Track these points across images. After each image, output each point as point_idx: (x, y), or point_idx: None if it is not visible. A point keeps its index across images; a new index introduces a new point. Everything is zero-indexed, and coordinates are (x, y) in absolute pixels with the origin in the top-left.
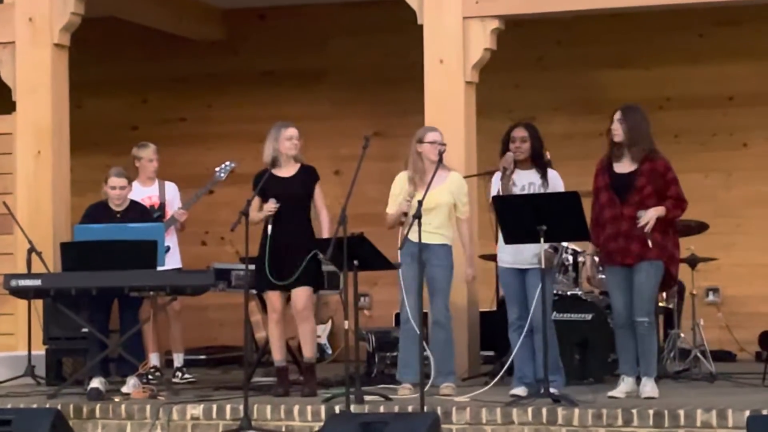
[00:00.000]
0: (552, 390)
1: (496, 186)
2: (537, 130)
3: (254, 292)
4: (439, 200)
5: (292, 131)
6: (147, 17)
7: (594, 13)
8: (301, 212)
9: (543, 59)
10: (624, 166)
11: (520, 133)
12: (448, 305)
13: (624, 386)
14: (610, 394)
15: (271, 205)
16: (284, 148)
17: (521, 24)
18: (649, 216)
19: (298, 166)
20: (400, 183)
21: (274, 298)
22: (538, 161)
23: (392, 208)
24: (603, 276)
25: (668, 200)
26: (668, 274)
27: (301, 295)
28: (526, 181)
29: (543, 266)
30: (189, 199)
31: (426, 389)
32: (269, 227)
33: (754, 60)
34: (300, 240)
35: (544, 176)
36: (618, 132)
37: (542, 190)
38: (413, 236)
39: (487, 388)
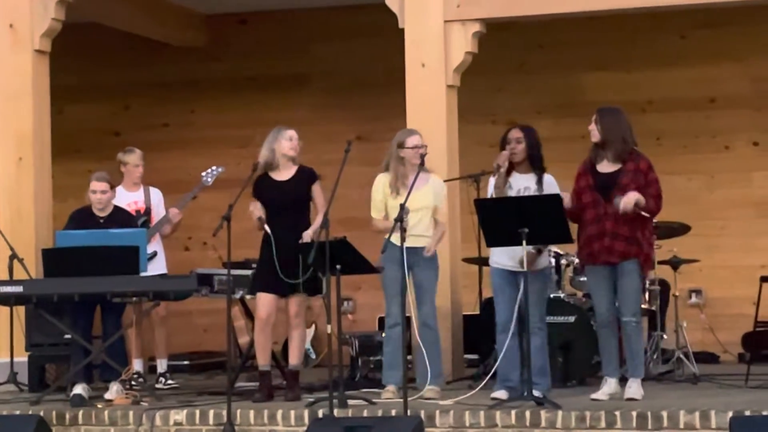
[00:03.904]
0: (536, 393)
1: (491, 186)
2: (534, 131)
3: (237, 297)
4: (424, 203)
5: (292, 132)
6: (128, 23)
7: (575, 16)
8: (300, 214)
9: (525, 63)
10: (606, 166)
11: (515, 134)
12: (434, 308)
13: (607, 388)
14: (593, 396)
15: (257, 223)
16: (283, 148)
17: (503, 28)
18: (627, 200)
19: (295, 168)
20: (381, 187)
21: (265, 300)
22: (535, 164)
23: (376, 213)
24: (583, 278)
25: (650, 198)
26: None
27: (295, 302)
28: (521, 185)
29: (525, 268)
30: (179, 202)
31: (413, 397)
32: (270, 235)
33: (736, 62)
34: (301, 245)
35: (539, 181)
36: (594, 133)
37: None
38: (396, 240)
39: (472, 392)
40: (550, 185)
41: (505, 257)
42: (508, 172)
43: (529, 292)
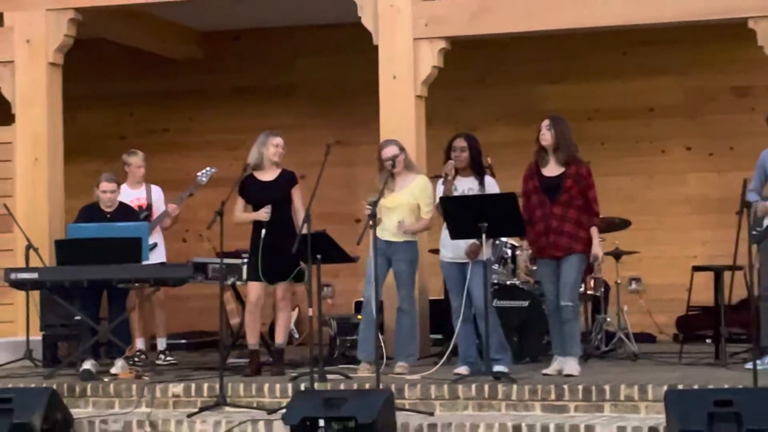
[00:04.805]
0: (500, 368)
1: (439, 190)
2: (476, 140)
3: (229, 283)
4: (401, 201)
5: (279, 140)
6: (133, 39)
7: (530, 35)
8: (284, 212)
9: (485, 76)
10: (551, 170)
11: (460, 143)
12: (412, 294)
13: (556, 365)
14: (544, 371)
15: (264, 214)
16: (270, 153)
17: (466, 44)
18: (600, 255)
19: (278, 170)
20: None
21: (254, 287)
22: (477, 169)
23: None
24: (534, 267)
25: (593, 219)
26: (590, 265)
27: (281, 288)
28: (465, 187)
29: (469, 259)
30: (177, 198)
31: (382, 369)
32: (263, 231)
33: (673, 75)
34: (284, 238)
35: (481, 182)
36: (546, 137)
37: None
38: (378, 233)
39: (435, 368)
40: (491, 186)
41: (450, 251)
42: (453, 177)
43: (475, 279)
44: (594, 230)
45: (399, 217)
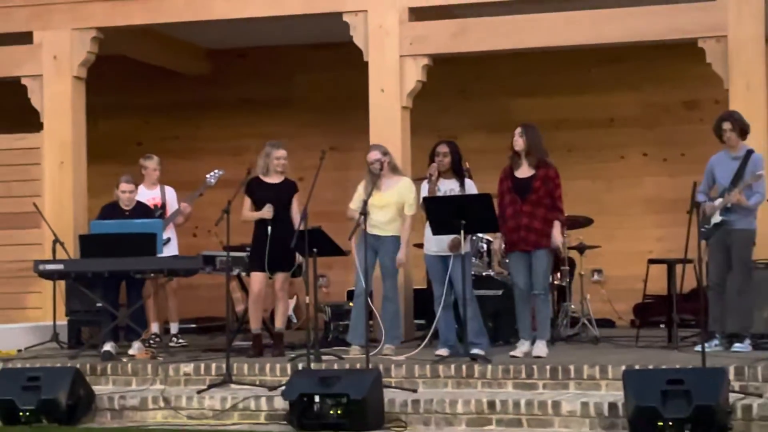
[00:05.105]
0: (477, 350)
1: (424, 190)
2: (457, 146)
3: (234, 274)
4: (389, 200)
5: (282, 152)
6: (148, 56)
7: (505, 53)
8: (285, 212)
9: (464, 89)
10: (523, 172)
11: (442, 149)
12: (395, 284)
13: (522, 347)
14: (511, 353)
15: (267, 212)
16: (273, 165)
17: (447, 61)
18: (558, 240)
19: (283, 177)
20: (361, 188)
21: (258, 278)
22: (458, 172)
23: (353, 204)
24: (507, 260)
25: (557, 214)
26: (557, 258)
27: (280, 278)
28: (447, 188)
29: (451, 252)
30: (188, 198)
31: (373, 353)
32: (269, 228)
33: (631, 91)
34: (285, 235)
35: (462, 184)
36: (519, 143)
37: None
38: (368, 229)
39: (418, 350)
40: (471, 187)
41: (434, 245)
42: (436, 178)
43: (456, 271)
44: (556, 223)
45: (387, 214)
